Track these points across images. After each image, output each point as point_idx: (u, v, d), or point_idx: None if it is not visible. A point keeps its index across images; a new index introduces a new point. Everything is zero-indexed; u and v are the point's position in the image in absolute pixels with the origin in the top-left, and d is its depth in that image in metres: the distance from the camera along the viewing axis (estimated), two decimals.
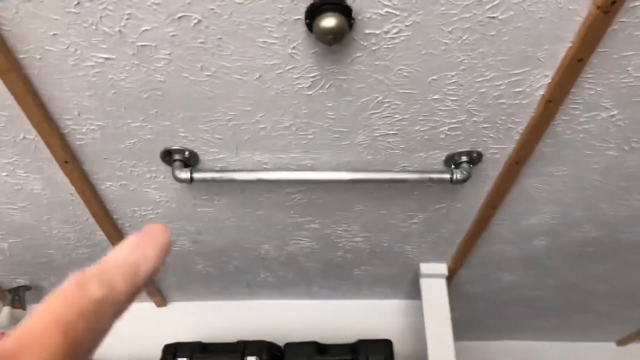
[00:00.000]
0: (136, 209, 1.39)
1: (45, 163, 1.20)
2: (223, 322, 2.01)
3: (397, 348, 1.78)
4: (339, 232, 1.53)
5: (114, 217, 1.43)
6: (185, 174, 1.17)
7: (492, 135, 1.14)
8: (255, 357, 1.65)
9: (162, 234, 0.27)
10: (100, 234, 1.50)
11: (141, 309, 2.03)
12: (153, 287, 1.86)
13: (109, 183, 1.29)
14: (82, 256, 1.63)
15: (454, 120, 1.10)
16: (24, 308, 1.87)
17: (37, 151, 1.16)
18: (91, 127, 1.10)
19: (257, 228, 1.50)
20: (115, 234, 1.48)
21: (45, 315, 0.21)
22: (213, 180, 1.18)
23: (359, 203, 1.38)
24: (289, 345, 1.70)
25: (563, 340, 2.53)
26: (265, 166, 1.22)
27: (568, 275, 1.83)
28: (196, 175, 1.18)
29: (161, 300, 2.00)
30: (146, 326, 2.01)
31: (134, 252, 0.26)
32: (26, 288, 1.83)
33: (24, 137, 1.12)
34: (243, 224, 1.48)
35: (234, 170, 1.19)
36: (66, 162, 1.18)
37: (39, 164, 1.20)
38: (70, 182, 1.25)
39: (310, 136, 1.13)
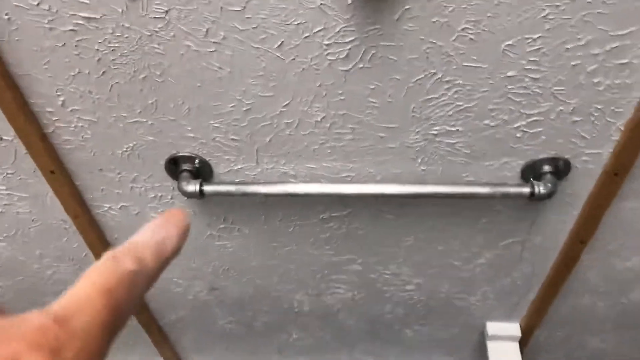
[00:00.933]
0: None
1: (30, 175, 0.99)
2: None
3: None
4: (387, 276, 1.25)
5: None
6: (193, 187, 0.94)
7: (584, 134, 0.88)
8: None
9: (183, 216, 0.31)
10: None
11: None
12: (167, 346, 1.59)
13: (107, 205, 1.07)
14: None
15: (535, 112, 0.84)
16: None
17: (18, 159, 0.96)
18: (80, 124, 0.90)
19: (286, 270, 1.24)
20: None
21: (88, 284, 0.24)
22: (228, 195, 0.94)
23: (410, 234, 1.11)
24: None
25: None
26: (292, 180, 0.98)
27: None
28: (207, 188, 0.94)
29: None
30: None
31: (159, 231, 0.29)
32: None
33: (1, 139, 0.93)
34: (269, 264, 1.22)
35: (253, 183, 0.96)
36: (52, 172, 0.97)
37: (22, 176, 1.00)
38: (59, 201, 1.04)
39: (348, 135, 0.90)
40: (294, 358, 1.65)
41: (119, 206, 1.07)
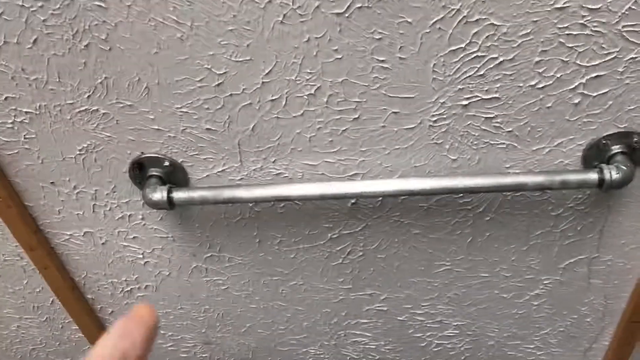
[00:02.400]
0: (115, 280, 0.95)
1: None
2: None
3: None
4: (419, 318, 1.00)
5: (88, 296, 0.99)
6: (160, 194, 0.74)
7: None
8: None
9: (149, 316, 0.28)
10: (75, 330, 1.05)
11: None
12: None
13: (68, 232, 0.87)
14: None
15: (597, 62, 0.63)
16: None
17: None
18: (19, 119, 0.72)
19: (294, 314, 1.00)
20: (95, 327, 1.03)
21: None
22: (204, 202, 0.74)
23: (444, 257, 0.88)
24: None
25: None
26: (285, 180, 0.78)
27: None
28: (178, 195, 0.74)
29: None
30: None
31: (122, 341, 0.26)
32: None
33: None
34: (272, 307, 0.99)
35: (234, 186, 0.75)
36: None
37: None
38: (9, 229, 0.85)
39: (353, 114, 0.69)
40: None
41: (82, 233, 0.88)
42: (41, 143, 0.75)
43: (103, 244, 0.89)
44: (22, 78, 0.68)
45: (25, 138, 0.74)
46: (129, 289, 0.97)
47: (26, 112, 0.71)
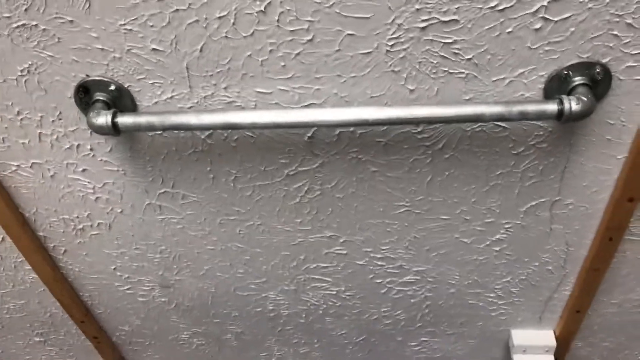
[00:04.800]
0: (67, 217, 0.92)
1: None
2: None
3: None
4: (378, 262, 0.98)
5: (39, 234, 0.96)
6: (104, 118, 0.71)
7: (630, 21, 0.63)
8: None
9: None
10: (28, 270, 1.03)
11: None
12: None
13: (14, 163, 0.84)
14: (16, 314, 1.15)
15: None
16: None
17: None
18: None
19: (252, 256, 0.98)
20: (48, 267, 1.00)
21: None
22: (151, 129, 0.71)
23: (404, 197, 0.86)
24: None
25: None
26: (238, 108, 0.74)
27: None
28: (123, 120, 0.71)
29: None
30: None
31: None
32: None
33: None
34: (230, 248, 0.97)
35: (182, 112, 0.72)
36: None
37: None
38: None
39: (306, 36, 0.66)
40: None
41: (30, 164, 0.84)
42: None
43: (52, 176, 0.86)
44: None
45: None
46: (81, 226, 0.94)
47: None
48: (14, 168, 0.85)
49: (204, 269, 1.01)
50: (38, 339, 1.23)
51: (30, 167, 0.84)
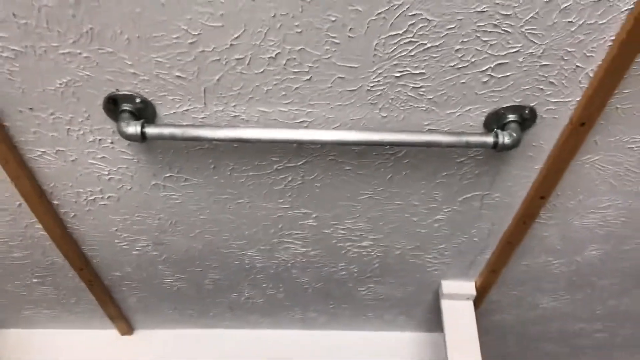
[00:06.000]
0: (80, 190, 1.07)
1: None
2: (200, 354, 1.66)
3: None
4: (342, 231, 1.20)
5: (54, 202, 1.11)
6: (134, 128, 0.86)
7: (552, 80, 0.84)
8: None
9: None
10: (38, 229, 1.18)
11: (103, 338, 1.69)
12: (114, 307, 1.51)
13: (41, 149, 0.98)
14: (20, 261, 1.30)
15: (503, 53, 0.79)
16: None
17: None
18: (5, 54, 0.80)
19: (238, 225, 1.18)
20: (58, 228, 1.16)
21: None
22: (173, 138, 0.87)
23: (368, 188, 1.06)
24: None
25: None
26: (243, 125, 0.91)
27: (621, 303, 1.49)
28: (150, 131, 0.86)
29: (126, 327, 1.66)
30: (109, 359, 1.66)
31: None
32: None
33: None
34: (220, 218, 1.15)
35: (200, 126, 0.88)
36: None
37: None
38: None
39: (305, 75, 0.83)
40: (246, 317, 1.60)
41: (55, 151, 0.98)
42: (23, 76, 0.83)
43: (72, 160, 1.00)
44: (12, 21, 0.75)
45: (9, 71, 0.82)
46: (92, 198, 1.09)
47: (12, 50, 0.79)
48: (39, 153, 0.98)
49: (194, 232, 1.20)
50: (36, 280, 1.40)
51: (55, 153, 0.98)
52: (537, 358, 1.89)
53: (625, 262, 1.29)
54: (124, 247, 1.25)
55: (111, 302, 1.50)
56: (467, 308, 1.40)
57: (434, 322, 1.55)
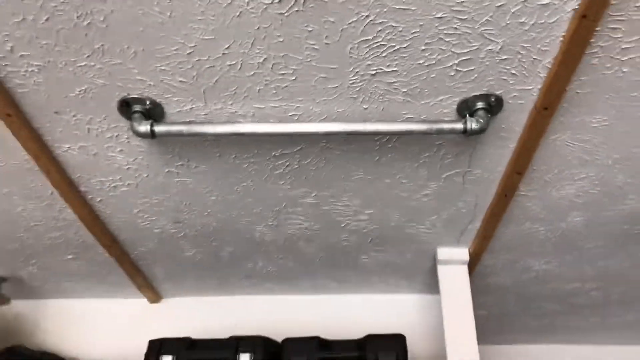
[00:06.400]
0: (103, 179, 1.21)
1: None
2: (221, 319, 1.82)
3: (412, 346, 1.56)
4: (339, 208, 1.32)
5: (82, 189, 1.25)
6: (145, 127, 0.99)
7: (513, 71, 0.93)
8: (249, 354, 1.46)
9: None
10: (69, 212, 1.33)
11: (133, 306, 1.86)
12: (142, 278, 1.68)
13: (66, 145, 1.11)
14: (56, 241, 1.46)
15: (465, 50, 0.89)
16: (6, 302, 1.71)
17: None
18: (30, 69, 0.93)
19: (246, 204, 1.31)
20: (86, 211, 1.30)
21: None
22: (180, 135, 0.99)
23: (358, 170, 1.18)
24: (287, 340, 1.50)
25: (605, 344, 2.25)
26: (241, 119, 1.03)
27: (609, 263, 1.59)
28: (158, 129, 0.99)
29: (154, 296, 1.82)
30: (138, 325, 1.83)
31: None
32: (2, 279, 1.67)
33: None
34: (229, 199, 1.29)
35: (203, 123, 1.00)
36: (9, 115, 1.00)
37: None
38: (19, 143, 1.08)
39: (291, 77, 0.94)
40: (261, 284, 1.75)
41: (78, 146, 1.12)
42: (47, 85, 0.96)
43: (94, 154, 1.14)
44: (35, 42, 0.88)
45: (35, 82, 0.95)
46: (114, 185, 1.23)
47: (36, 65, 0.92)
48: (65, 149, 1.12)
49: (207, 212, 1.34)
50: (70, 257, 1.56)
51: (78, 148, 1.12)
52: (539, 316, 2.00)
53: (607, 226, 1.39)
54: (146, 226, 1.40)
55: (139, 274, 1.65)
56: (462, 272, 1.52)
57: (433, 285, 1.67)
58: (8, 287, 1.73)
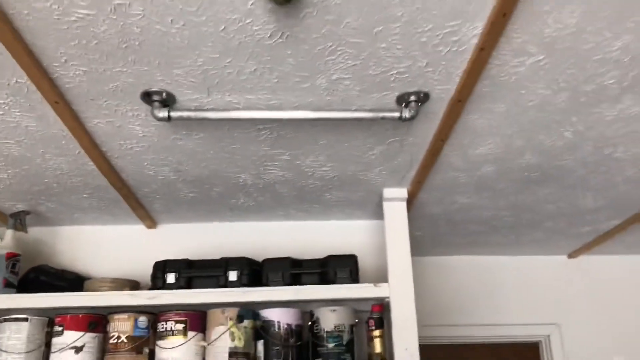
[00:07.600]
0: (122, 142, 1.54)
1: (38, 103, 1.34)
2: (208, 242, 2.21)
3: (363, 262, 2.00)
4: (308, 162, 1.70)
5: (103, 149, 1.58)
6: (163, 113, 1.32)
7: (436, 77, 1.28)
8: (236, 271, 1.86)
9: None
10: (91, 165, 1.66)
11: (132, 231, 2.23)
12: (142, 210, 2.04)
13: (96, 120, 1.43)
14: (76, 184, 1.80)
15: (402, 65, 1.24)
16: (25, 230, 2.05)
17: (29, 93, 1.30)
18: (77, 72, 1.23)
19: (234, 160, 1.66)
20: (105, 164, 1.64)
21: None
22: (189, 119, 1.33)
23: (323, 137, 1.54)
24: (266, 260, 1.91)
25: (519, 255, 2.78)
26: (236, 105, 1.37)
27: (518, 198, 2.03)
28: (173, 114, 1.32)
29: (151, 222, 2.19)
30: (137, 246, 2.21)
31: None
32: (26, 213, 2.00)
33: (17, 81, 1.25)
34: (221, 156, 1.64)
35: (207, 110, 1.34)
36: (56, 102, 1.31)
37: (32, 104, 1.34)
38: (61, 120, 1.40)
39: (275, 80, 1.27)
40: (243, 216, 2.14)
41: (105, 121, 1.44)
42: (88, 82, 1.27)
43: (118, 127, 1.46)
44: (83, 56, 1.18)
45: (78, 81, 1.26)
46: (130, 147, 1.57)
47: (83, 70, 1.23)
48: (95, 122, 1.44)
49: (202, 164, 1.69)
50: (86, 196, 1.90)
51: (105, 122, 1.44)
52: (465, 235, 2.48)
53: (512, 173, 1.81)
54: (152, 174, 1.75)
55: (140, 207, 2.02)
56: (401, 207, 1.94)
57: (379, 214, 2.10)
58: (28, 219, 2.07)
